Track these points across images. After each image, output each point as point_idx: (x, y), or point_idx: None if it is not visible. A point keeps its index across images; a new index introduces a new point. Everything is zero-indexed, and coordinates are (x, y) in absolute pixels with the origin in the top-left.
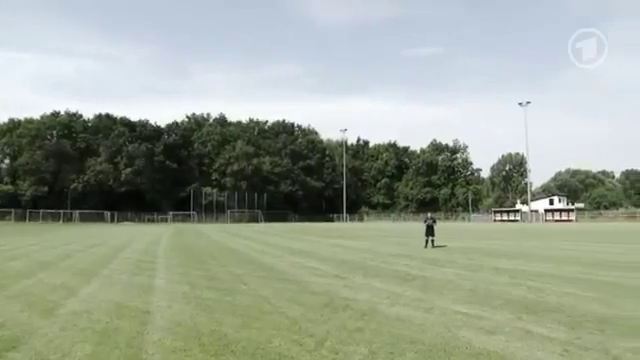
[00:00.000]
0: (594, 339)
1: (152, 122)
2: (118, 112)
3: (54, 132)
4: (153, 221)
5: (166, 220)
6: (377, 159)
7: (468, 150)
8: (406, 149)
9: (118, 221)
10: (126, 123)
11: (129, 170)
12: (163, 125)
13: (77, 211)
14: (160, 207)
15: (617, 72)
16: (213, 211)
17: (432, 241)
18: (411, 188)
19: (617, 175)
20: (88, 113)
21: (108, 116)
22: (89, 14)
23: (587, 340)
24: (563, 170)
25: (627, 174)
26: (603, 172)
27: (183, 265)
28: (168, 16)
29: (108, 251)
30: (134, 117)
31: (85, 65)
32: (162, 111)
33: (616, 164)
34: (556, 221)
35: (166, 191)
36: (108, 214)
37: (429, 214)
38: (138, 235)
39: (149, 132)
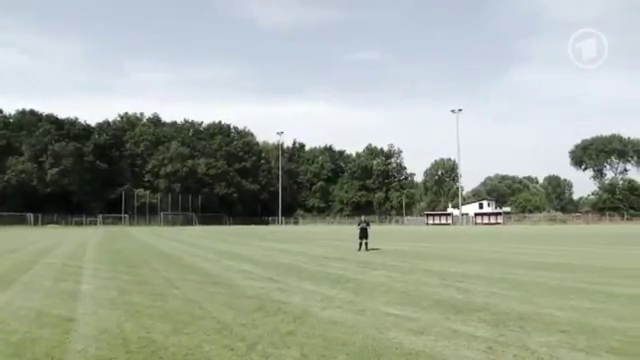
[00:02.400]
0: (515, 335)
1: (82, 120)
2: (44, 108)
3: None
4: (81, 224)
5: (95, 223)
6: (313, 162)
7: (402, 155)
8: (341, 153)
9: (42, 224)
10: (53, 120)
11: (55, 170)
12: (93, 124)
13: None
14: (89, 209)
15: (542, 83)
16: (145, 213)
17: (366, 244)
18: (346, 192)
19: (540, 180)
20: (9, 108)
21: (32, 112)
22: (15, 2)
23: (509, 337)
24: (492, 175)
25: (549, 179)
26: (528, 178)
27: (112, 270)
28: (102, 12)
29: (29, 256)
30: (62, 114)
31: (8, 56)
32: (93, 109)
33: (540, 170)
34: (485, 224)
35: (96, 192)
36: (31, 216)
37: (363, 217)
38: (64, 238)
39: (78, 131)
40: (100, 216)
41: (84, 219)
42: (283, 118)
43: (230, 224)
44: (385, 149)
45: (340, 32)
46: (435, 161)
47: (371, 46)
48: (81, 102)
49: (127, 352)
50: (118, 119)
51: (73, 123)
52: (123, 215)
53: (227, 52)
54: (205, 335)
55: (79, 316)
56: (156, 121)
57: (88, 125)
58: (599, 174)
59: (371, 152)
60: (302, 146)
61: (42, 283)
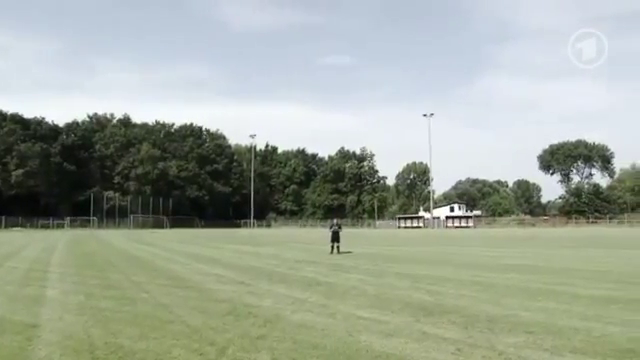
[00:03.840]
0: (483, 337)
1: (49, 120)
2: (9, 108)
3: None
4: (48, 227)
5: (63, 226)
6: (285, 165)
7: (374, 158)
8: (314, 156)
9: (6, 227)
10: (18, 120)
11: (21, 172)
12: (61, 124)
13: None
14: (56, 212)
15: (512, 89)
16: (115, 216)
17: (337, 247)
18: (318, 195)
19: (510, 184)
20: None
21: None
22: None
23: (477, 338)
24: (463, 179)
25: (519, 183)
26: (498, 181)
27: (79, 274)
28: (71, 10)
29: None
30: (28, 114)
31: None
32: (61, 109)
33: (509, 174)
34: (456, 227)
35: (63, 195)
36: None
37: (335, 220)
38: (29, 242)
39: (45, 131)
40: (68, 219)
41: (51, 222)
42: (256, 120)
43: (201, 227)
44: (357, 152)
45: (313, 35)
46: (407, 165)
47: (344, 50)
48: (49, 102)
49: (93, 358)
50: (87, 120)
51: (40, 123)
52: (92, 218)
53: (199, 53)
54: (174, 340)
55: (43, 322)
56: (126, 122)
57: (56, 125)
58: (566, 178)
59: (344, 155)
60: (275, 149)
61: (4, 288)
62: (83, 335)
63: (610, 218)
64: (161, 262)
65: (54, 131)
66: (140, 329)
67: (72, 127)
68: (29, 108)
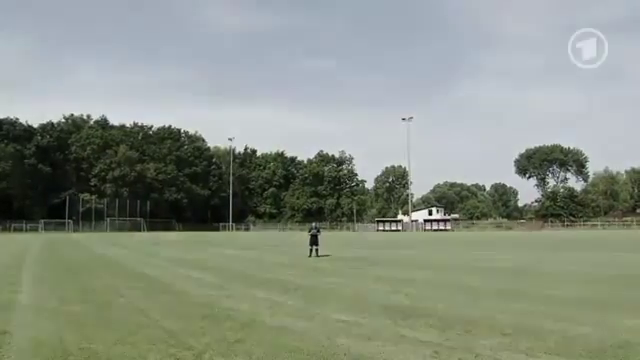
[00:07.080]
0: (461, 339)
1: (22, 121)
2: None
3: None
4: (21, 230)
5: (37, 229)
6: (264, 168)
7: (353, 162)
8: (293, 159)
9: None
10: None
11: None
12: (36, 125)
13: None
14: (30, 215)
15: (490, 95)
16: (91, 219)
17: (316, 250)
18: (297, 198)
19: (488, 188)
20: None
21: None
22: None
23: (455, 341)
24: (441, 183)
25: (496, 187)
26: (476, 185)
27: (54, 278)
28: (47, 7)
29: None
30: (0, 114)
31: None
32: (35, 110)
33: (487, 178)
34: (434, 230)
35: (38, 197)
36: None
37: (314, 224)
38: (1, 246)
39: (18, 132)
40: (42, 222)
41: (24, 225)
42: (235, 123)
43: (180, 230)
44: (336, 156)
45: (293, 38)
46: (386, 168)
47: (324, 53)
48: (22, 102)
49: None
50: (63, 121)
51: (13, 124)
52: (67, 221)
53: (178, 55)
54: (151, 344)
55: (14, 328)
56: (104, 124)
57: (30, 126)
58: (542, 182)
59: (322, 159)
60: (254, 152)
61: None
62: (56, 341)
63: (584, 221)
64: (138, 266)
65: (28, 132)
66: (116, 334)
67: (47, 128)
68: (1, 108)
